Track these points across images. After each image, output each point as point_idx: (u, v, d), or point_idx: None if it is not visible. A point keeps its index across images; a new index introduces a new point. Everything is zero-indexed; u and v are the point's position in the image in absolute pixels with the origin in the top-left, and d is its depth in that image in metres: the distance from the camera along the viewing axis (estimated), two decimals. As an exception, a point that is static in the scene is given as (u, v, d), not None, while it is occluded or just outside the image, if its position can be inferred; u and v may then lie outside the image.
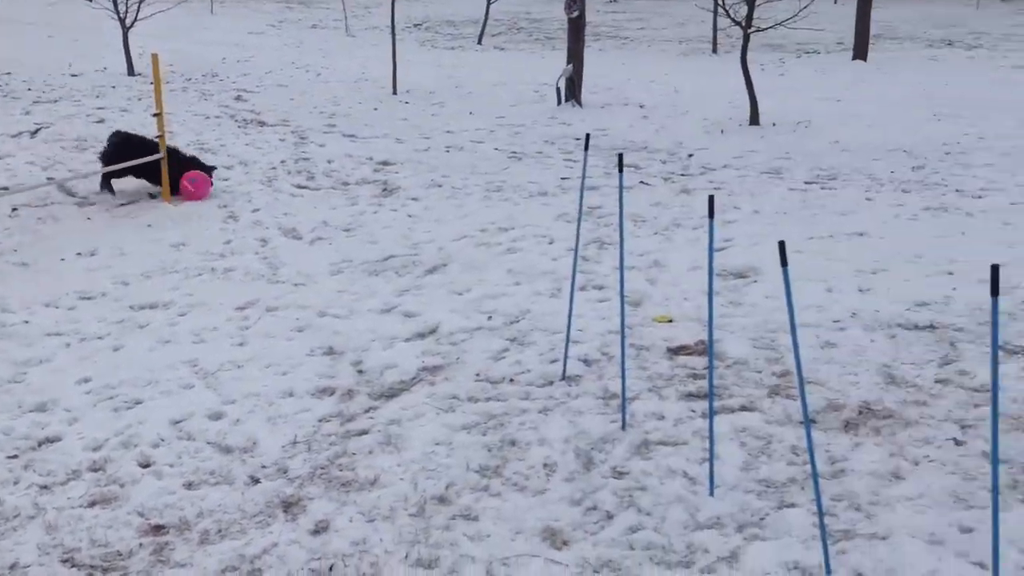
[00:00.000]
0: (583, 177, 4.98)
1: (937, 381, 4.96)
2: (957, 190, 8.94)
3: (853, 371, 5.12)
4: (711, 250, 3.72)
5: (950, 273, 6.53)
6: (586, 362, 5.29)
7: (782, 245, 3.00)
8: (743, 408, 4.73)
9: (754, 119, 12.76)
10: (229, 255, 7.39)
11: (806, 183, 9.53)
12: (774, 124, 12.63)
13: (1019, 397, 4.71)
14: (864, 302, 6.11)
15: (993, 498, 2.70)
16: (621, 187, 4.49)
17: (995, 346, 2.55)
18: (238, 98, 14.82)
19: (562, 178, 9.77)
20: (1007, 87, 15.69)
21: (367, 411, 4.79)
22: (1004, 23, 26.68)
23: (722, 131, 12.49)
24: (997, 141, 11.13)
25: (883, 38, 23.16)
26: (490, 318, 5.97)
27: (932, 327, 5.67)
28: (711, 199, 3.58)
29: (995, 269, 2.30)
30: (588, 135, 4.99)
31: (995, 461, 2.64)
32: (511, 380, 5.10)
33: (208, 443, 4.51)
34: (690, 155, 11.03)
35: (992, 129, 11.83)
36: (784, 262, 3.05)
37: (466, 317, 5.98)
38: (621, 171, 4.29)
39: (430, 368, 5.27)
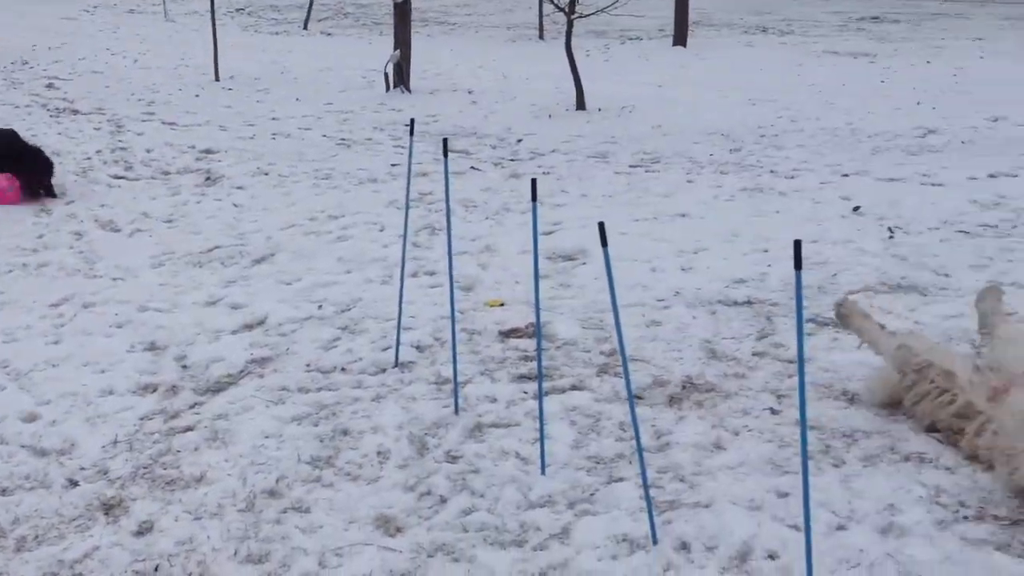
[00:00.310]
0: (409, 163, 4.96)
1: (754, 354, 5.16)
2: (771, 171, 9.32)
3: (677, 347, 5.28)
4: (535, 233, 3.76)
5: (765, 251, 6.81)
6: (419, 348, 5.29)
7: (602, 226, 3.06)
8: (573, 387, 4.82)
9: (580, 104, 12.99)
10: (42, 250, 7.05)
11: (631, 166, 9.77)
12: (600, 109, 12.88)
13: (829, 367, 4.95)
14: (686, 280, 6.31)
15: (803, 463, 2.83)
16: (447, 172, 4.50)
17: (800, 317, 2.68)
18: (50, 86, 14.16)
19: (392, 164, 9.72)
20: (816, 71, 16.44)
21: (192, 407, 4.66)
22: (814, 10, 27.93)
23: (550, 116, 12.67)
24: (807, 123, 11.67)
25: (701, 24, 23.92)
26: (320, 307, 5.89)
27: (750, 303, 5.90)
28: (534, 183, 3.63)
29: (798, 244, 2.40)
30: (412, 120, 4.98)
31: (804, 428, 2.76)
32: (343, 369, 5.05)
33: (22, 446, 4.29)
34: (519, 140, 11.15)
35: (803, 112, 12.39)
36: (604, 243, 3.12)
37: (295, 307, 5.88)
38: (446, 156, 4.29)
39: (258, 360, 5.16)
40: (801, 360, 2.68)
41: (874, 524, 3.57)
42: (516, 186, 8.89)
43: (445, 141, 4.33)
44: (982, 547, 3.40)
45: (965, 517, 3.61)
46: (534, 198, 3.55)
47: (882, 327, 4.61)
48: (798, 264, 2.40)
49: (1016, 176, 8.71)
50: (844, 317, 4.74)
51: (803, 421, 2.73)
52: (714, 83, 15.10)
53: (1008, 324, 4.55)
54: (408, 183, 4.94)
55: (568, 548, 3.48)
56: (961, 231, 7.17)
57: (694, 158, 10.03)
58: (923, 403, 4.25)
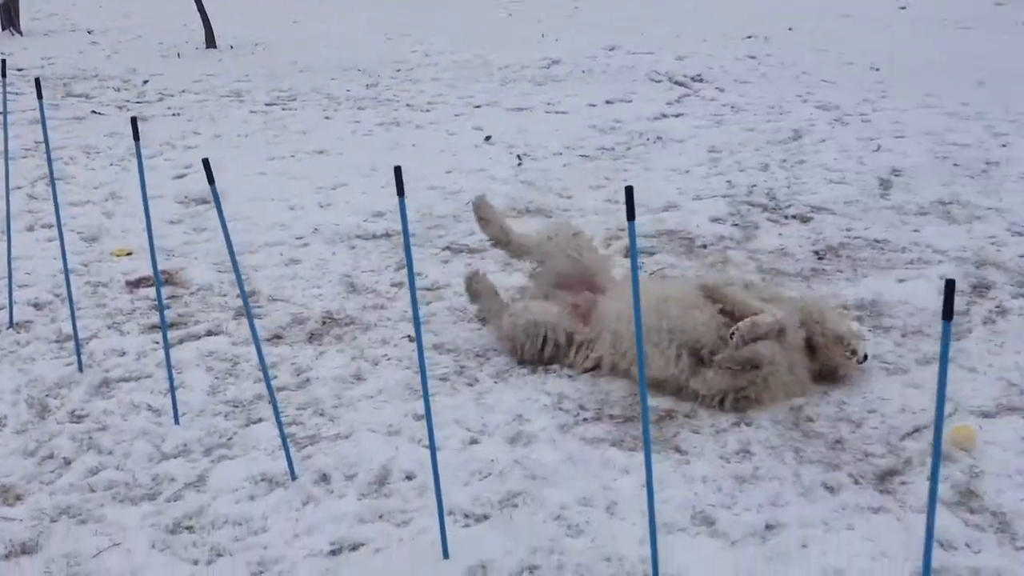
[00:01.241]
0: (4, 107, 4.58)
1: (393, 285, 5.24)
2: (408, 105, 9.44)
3: (317, 284, 5.27)
4: (142, 175, 3.61)
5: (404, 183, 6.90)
6: (36, 306, 4.94)
7: (206, 163, 2.97)
8: (209, 333, 4.69)
9: (210, 42, 12.52)
10: None
11: (267, 105, 9.56)
12: (232, 47, 12.48)
13: (462, 291, 5.11)
14: (325, 217, 6.29)
15: (423, 384, 2.92)
16: (43, 115, 4.19)
17: (407, 241, 2.74)
18: None
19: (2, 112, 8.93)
20: (447, 4, 16.71)
21: None
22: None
23: (179, 55, 12.12)
24: (440, 57, 11.88)
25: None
26: (-80, 271, 5.34)
27: (388, 235, 5.97)
28: (134, 121, 3.46)
29: (398, 170, 2.45)
30: (3, 60, 4.56)
31: (420, 350, 2.85)
32: (-51, 335, 4.63)
33: None
34: (145, 81, 10.59)
35: (435, 47, 12.59)
36: (211, 180, 3.03)
37: None
38: (40, 97, 4.00)
39: None
40: (412, 282, 2.75)
41: (504, 435, 3.75)
42: (143, 130, 8.42)
43: (37, 81, 4.02)
44: (599, 445, 3.67)
45: (584, 419, 3.87)
46: (136, 137, 3.40)
47: (506, 305, 4.64)
48: (400, 191, 2.44)
49: (629, 101, 9.34)
50: (475, 293, 4.76)
51: (419, 344, 2.82)
52: (350, 19, 15.01)
53: (516, 232, 4.76)
54: (4, 129, 4.57)
55: (204, 495, 3.41)
56: (582, 155, 7.61)
57: (331, 94, 9.96)
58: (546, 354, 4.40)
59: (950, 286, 1.79)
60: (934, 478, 2.01)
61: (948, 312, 1.81)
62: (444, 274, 5.34)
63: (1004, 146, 7.40)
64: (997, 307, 4.69)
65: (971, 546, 3.03)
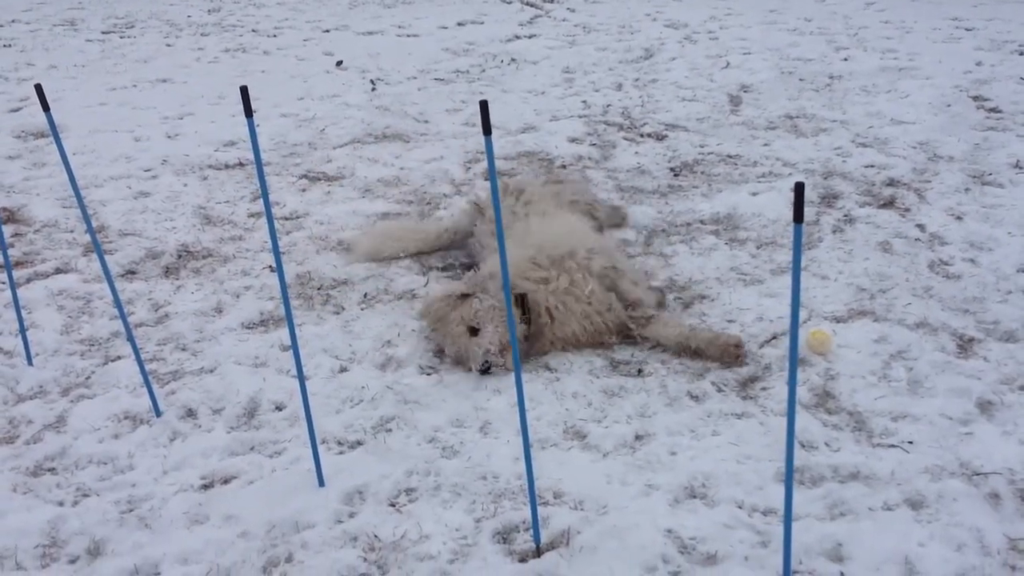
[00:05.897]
0: None
1: (250, 215, 5.11)
2: (253, 30, 9.14)
3: (169, 217, 5.09)
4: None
5: (254, 111, 6.70)
6: None
7: (39, 88, 2.81)
8: (58, 271, 4.50)
9: (38, -33, 11.81)
10: None
11: (103, 33, 9.13)
12: (62, -28, 11.81)
13: (324, 219, 5.02)
14: (174, 148, 6.07)
15: (287, 314, 2.86)
16: None
17: (260, 168, 2.64)
18: None
19: None
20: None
21: None
22: None
23: (4, -18, 11.41)
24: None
25: None
26: None
27: (241, 164, 5.80)
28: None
29: (244, 90, 2.36)
30: None
31: (283, 286, 2.78)
32: None
33: None
34: (-31, 10, 9.97)
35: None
36: (45, 107, 2.87)
37: None
38: None
39: None
40: (267, 206, 2.67)
41: (373, 361, 3.72)
42: (-30, 61, 7.97)
43: None
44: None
45: (454, 341, 3.87)
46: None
47: None
48: (248, 112, 2.35)
49: (482, 23, 9.25)
50: None
51: (280, 274, 2.75)
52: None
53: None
54: None
55: (65, 436, 3.29)
56: (437, 79, 7.52)
57: (172, 21, 9.56)
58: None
59: (799, 189, 1.82)
60: (792, 380, 2.08)
61: (799, 215, 1.86)
62: (303, 203, 5.23)
63: (845, 60, 7.64)
64: (845, 216, 4.87)
65: (830, 445, 3.17)
